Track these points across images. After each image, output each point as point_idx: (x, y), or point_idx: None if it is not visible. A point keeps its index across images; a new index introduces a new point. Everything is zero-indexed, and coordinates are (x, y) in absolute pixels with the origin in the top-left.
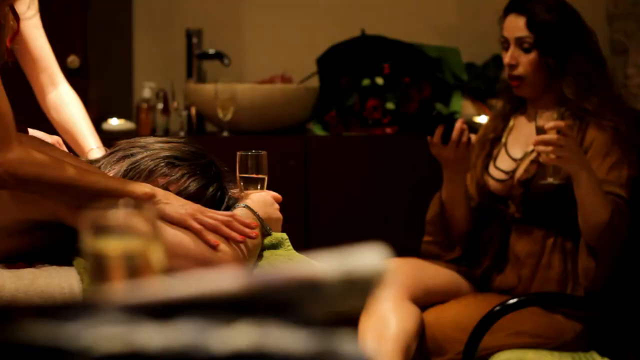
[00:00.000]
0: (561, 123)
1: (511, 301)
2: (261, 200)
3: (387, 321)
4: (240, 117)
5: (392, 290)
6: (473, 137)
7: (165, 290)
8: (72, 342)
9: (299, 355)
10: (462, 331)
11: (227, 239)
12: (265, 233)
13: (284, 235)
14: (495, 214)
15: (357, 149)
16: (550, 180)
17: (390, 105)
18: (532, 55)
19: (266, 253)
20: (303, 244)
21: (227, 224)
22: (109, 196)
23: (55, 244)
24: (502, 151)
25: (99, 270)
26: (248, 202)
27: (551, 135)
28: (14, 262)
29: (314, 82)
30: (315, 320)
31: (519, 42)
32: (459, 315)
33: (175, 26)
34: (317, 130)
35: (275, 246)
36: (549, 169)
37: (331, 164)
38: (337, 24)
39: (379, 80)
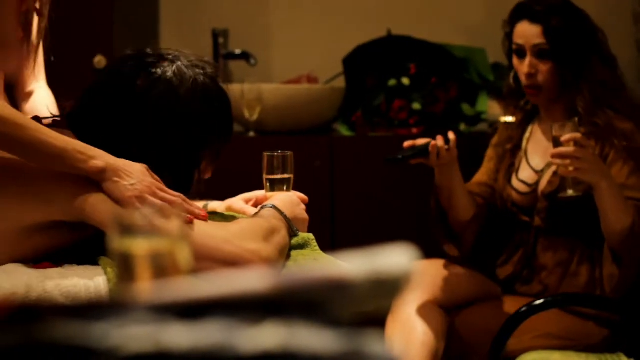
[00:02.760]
0: (578, 135)
1: (537, 302)
2: (288, 201)
3: (414, 325)
4: (266, 117)
5: (418, 294)
6: (451, 135)
7: (193, 290)
8: (100, 341)
9: (326, 355)
10: (489, 334)
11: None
12: (292, 234)
13: (311, 236)
14: (519, 223)
15: (383, 149)
16: (570, 192)
17: (416, 106)
18: (551, 64)
19: (293, 253)
20: (329, 244)
21: (176, 205)
22: (59, 160)
23: (80, 243)
24: (524, 162)
25: (126, 270)
26: (275, 202)
27: (567, 148)
28: (40, 262)
29: (340, 82)
30: (343, 321)
31: (536, 49)
32: (486, 318)
33: (202, 26)
34: (343, 131)
35: (301, 246)
36: (568, 181)
37: (357, 165)
38: (363, 24)
39: (405, 81)
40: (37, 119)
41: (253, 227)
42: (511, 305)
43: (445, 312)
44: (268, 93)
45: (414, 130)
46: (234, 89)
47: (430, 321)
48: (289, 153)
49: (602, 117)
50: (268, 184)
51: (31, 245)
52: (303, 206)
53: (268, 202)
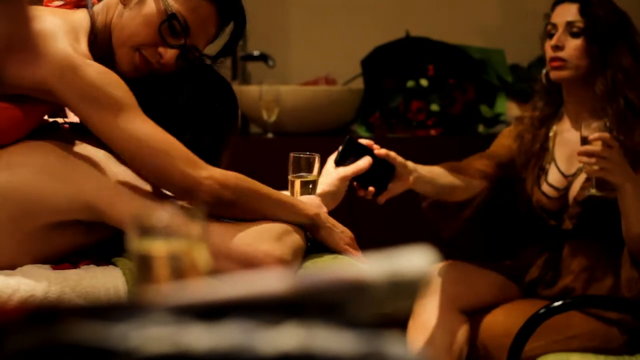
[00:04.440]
0: (606, 135)
1: (556, 304)
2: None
3: (437, 330)
4: (284, 118)
5: (439, 298)
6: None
7: (212, 291)
8: (120, 342)
9: (346, 356)
10: (509, 337)
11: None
12: (310, 237)
13: None
14: (545, 227)
15: (401, 151)
16: (592, 191)
17: (434, 107)
18: (580, 41)
19: (311, 255)
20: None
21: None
22: (287, 210)
23: (99, 244)
24: (553, 166)
25: (144, 271)
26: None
27: (595, 147)
28: (59, 264)
29: (359, 83)
30: (362, 322)
31: (569, 26)
32: (509, 320)
33: None
34: (362, 132)
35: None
36: (592, 180)
37: None
38: (381, 25)
39: (424, 82)
40: (56, 124)
41: (267, 227)
42: (531, 307)
43: (467, 315)
44: (286, 94)
45: (432, 132)
46: (252, 91)
47: (453, 326)
48: (315, 155)
49: (616, 106)
50: (292, 185)
51: (51, 246)
52: (324, 208)
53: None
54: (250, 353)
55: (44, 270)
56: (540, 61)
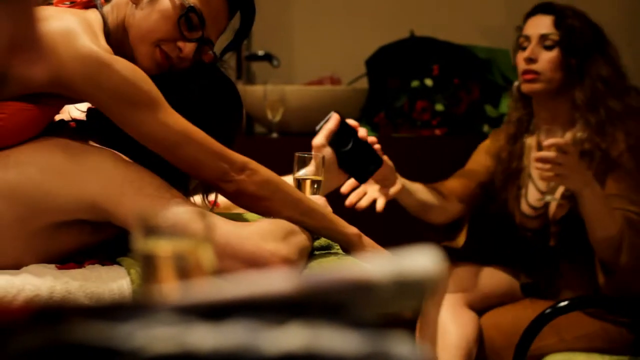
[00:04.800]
0: (560, 140)
1: (562, 304)
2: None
3: (447, 329)
4: (289, 118)
5: (449, 296)
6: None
7: (217, 291)
8: (125, 342)
9: (351, 356)
10: (515, 335)
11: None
12: (315, 236)
13: None
14: (531, 245)
15: (406, 151)
16: (548, 198)
17: (439, 107)
18: (554, 53)
19: (316, 255)
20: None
21: None
22: (325, 223)
23: (103, 244)
24: (531, 185)
25: (149, 271)
26: None
27: (549, 153)
28: (64, 263)
29: (363, 83)
30: (367, 322)
31: (542, 39)
32: (517, 319)
33: None
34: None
35: (325, 248)
36: (548, 186)
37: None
38: (386, 25)
39: (428, 82)
40: (62, 122)
41: (272, 227)
42: (538, 306)
43: (477, 313)
44: (291, 94)
45: (437, 132)
46: (256, 90)
47: (464, 324)
48: (321, 155)
49: (596, 116)
50: (297, 185)
51: (56, 245)
52: (329, 209)
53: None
54: (255, 353)
55: (49, 270)
56: None
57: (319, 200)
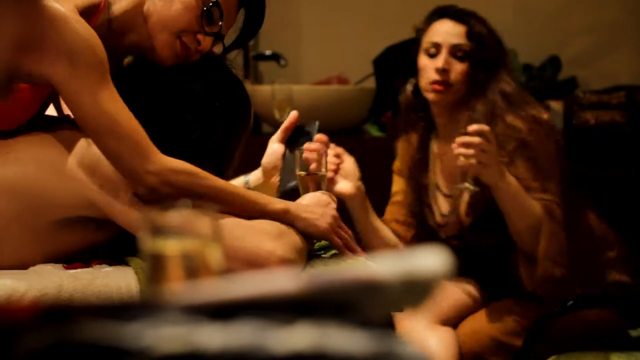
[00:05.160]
0: (486, 127)
1: (568, 304)
2: (315, 201)
3: (427, 344)
4: None
5: (424, 316)
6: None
7: (224, 290)
8: (133, 342)
9: (358, 356)
10: (507, 335)
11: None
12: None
13: None
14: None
15: None
16: (467, 185)
17: None
18: (465, 65)
19: (321, 255)
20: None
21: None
22: (249, 206)
23: (110, 242)
24: (440, 197)
25: (157, 270)
26: (302, 202)
27: (474, 138)
28: (71, 262)
29: (370, 83)
30: (374, 321)
31: (454, 49)
32: (485, 324)
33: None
34: (374, 132)
35: (329, 247)
36: (468, 174)
37: (388, 165)
38: (393, 24)
39: None
40: (68, 117)
41: (266, 226)
42: (513, 306)
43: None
44: (298, 94)
45: None
46: (264, 90)
47: (443, 338)
48: (323, 150)
49: (498, 125)
50: (301, 181)
51: (60, 243)
52: (333, 205)
53: (293, 203)
54: (263, 352)
55: (57, 270)
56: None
57: (322, 196)
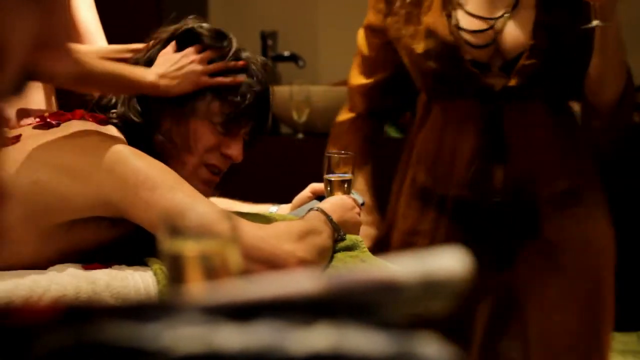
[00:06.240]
0: None
1: None
2: (339, 204)
3: None
4: (314, 119)
5: None
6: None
7: (243, 291)
8: (152, 342)
9: (378, 357)
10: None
11: None
12: (339, 237)
13: (359, 238)
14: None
15: None
16: (595, 23)
17: None
18: None
19: (340, 255)
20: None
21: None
22: (122, 81)
23: (126, 241)
24: (460, 12)
25: (176, 271)
26: (324, 205)
27: None
28: (88, 259)
29: None
30: (394, 322)
31: None
32: None
33: (250, 28)
34: (392, 132)
35: (350, 249)
36: (594, 7)
37: None
38: None
39: None
40: (82, 117)
41: (289, 228)
42: None
43: None
44: (317, 95)
45: None
46: (282, 91)
47: None
48: (350, 154)
49: None
50: (328, 184)
51: (74, 241)
52: (357, 209)
53: (316, 205)
54: (282, 353)
55: (75, 270)
56: None
57: (347, 200)
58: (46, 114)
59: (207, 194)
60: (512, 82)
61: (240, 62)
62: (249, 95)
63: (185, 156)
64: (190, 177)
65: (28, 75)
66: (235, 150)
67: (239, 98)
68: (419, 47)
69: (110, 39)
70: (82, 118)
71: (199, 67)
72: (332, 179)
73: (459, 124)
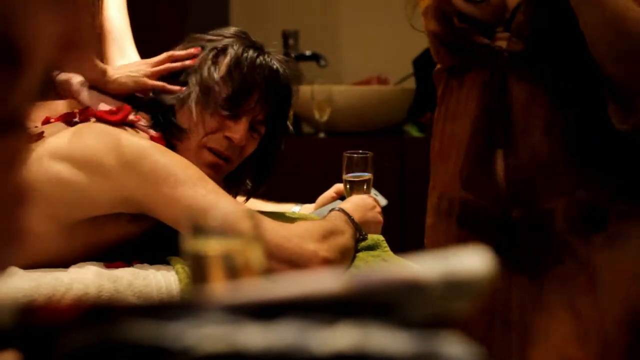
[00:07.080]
0: None
1: None
2: (360, 204)
3: None
4: (336, 118)
5: None
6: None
7: (266, 290)
8: (175, 341)
9: (400, 356)
10: None
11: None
12: (361, 237)
13: (381, 237)
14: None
15: None
16: None
17: None
18: None
19: (362, 255)
20: (400, 246)
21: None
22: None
23: (147, 239)
24: None
25: (198, 270)
26: (345, 205)
27: None
28: (110, 256)
29: (410, 83)
30: (417, 322)
31: None
32: None
33: (272, 28)
34: (414, 132)
35: (371, 248)
36: None
37: (427, 166)
38: None
39: None
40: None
41: (312, 227)
42: None
43: None
44: (338, 94)
45: None
46: (304, 90)
47: None
48: (369, 154)
49: None
50: (347, 184)
51: (95, 237)
52: (378, 209)
53: (338, 205)
54: (305, 352)
55: (97, 268)
56: None
57: (367, 200)
58: (68, 111)
59: (215, 178)
60: (513, 45)
61: (193, 50)
62: (246, 71)
63: (187, 138)
64: (193, 160)
65: (51, 77)
66: (236, 132)
67: (236, 76)
68: (423, 3)
69: (135, 37)
70: (100, 118)
71: (148, 70)
72: (352, 179)
73: (466, 101)
